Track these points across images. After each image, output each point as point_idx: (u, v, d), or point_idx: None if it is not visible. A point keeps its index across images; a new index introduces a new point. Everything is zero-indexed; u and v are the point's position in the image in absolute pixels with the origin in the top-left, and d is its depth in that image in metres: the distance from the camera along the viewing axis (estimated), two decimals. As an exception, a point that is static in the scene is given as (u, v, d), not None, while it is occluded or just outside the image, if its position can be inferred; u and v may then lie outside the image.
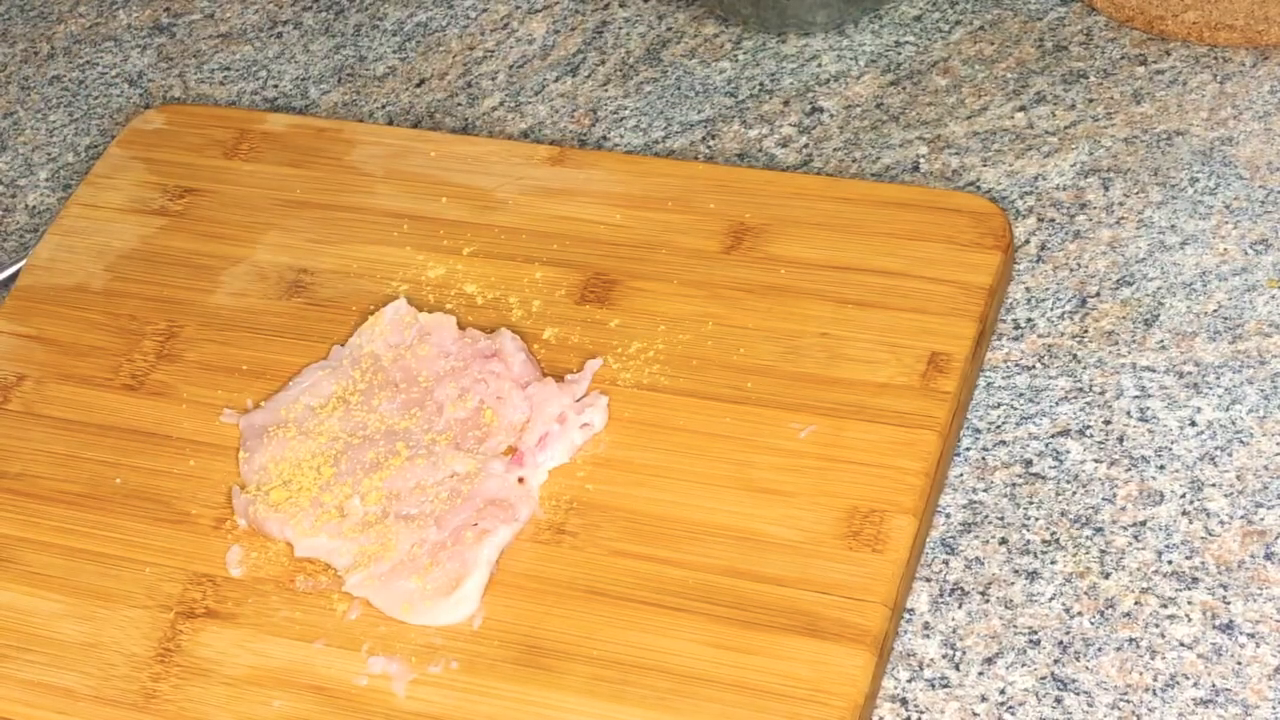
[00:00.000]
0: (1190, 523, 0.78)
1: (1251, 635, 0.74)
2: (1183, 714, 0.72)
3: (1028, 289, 0.87)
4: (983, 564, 0.78)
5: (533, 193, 0.93)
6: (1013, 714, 0.73)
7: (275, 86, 1.05)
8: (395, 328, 0.86)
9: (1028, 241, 0.89)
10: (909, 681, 0.75)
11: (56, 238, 0.95)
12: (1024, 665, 0.75)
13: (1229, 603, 0.75)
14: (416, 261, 0.91)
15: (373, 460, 0.81)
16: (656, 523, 0.79)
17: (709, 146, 0.97)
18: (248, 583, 0.80)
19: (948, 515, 0.80)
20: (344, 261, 0.92)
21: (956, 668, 0.75)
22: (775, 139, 0.96)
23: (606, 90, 1.01)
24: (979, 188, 0.92)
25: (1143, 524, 0.78)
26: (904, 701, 0.74)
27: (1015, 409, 0.83)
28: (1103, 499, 0.79)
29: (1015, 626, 0.76)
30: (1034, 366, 0.84)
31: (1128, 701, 0.73)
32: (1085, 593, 0.76)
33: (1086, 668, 0.74)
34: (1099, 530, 0.78)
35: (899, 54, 1.00)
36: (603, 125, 0.99)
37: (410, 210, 0.93)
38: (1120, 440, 0.81)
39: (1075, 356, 0.84)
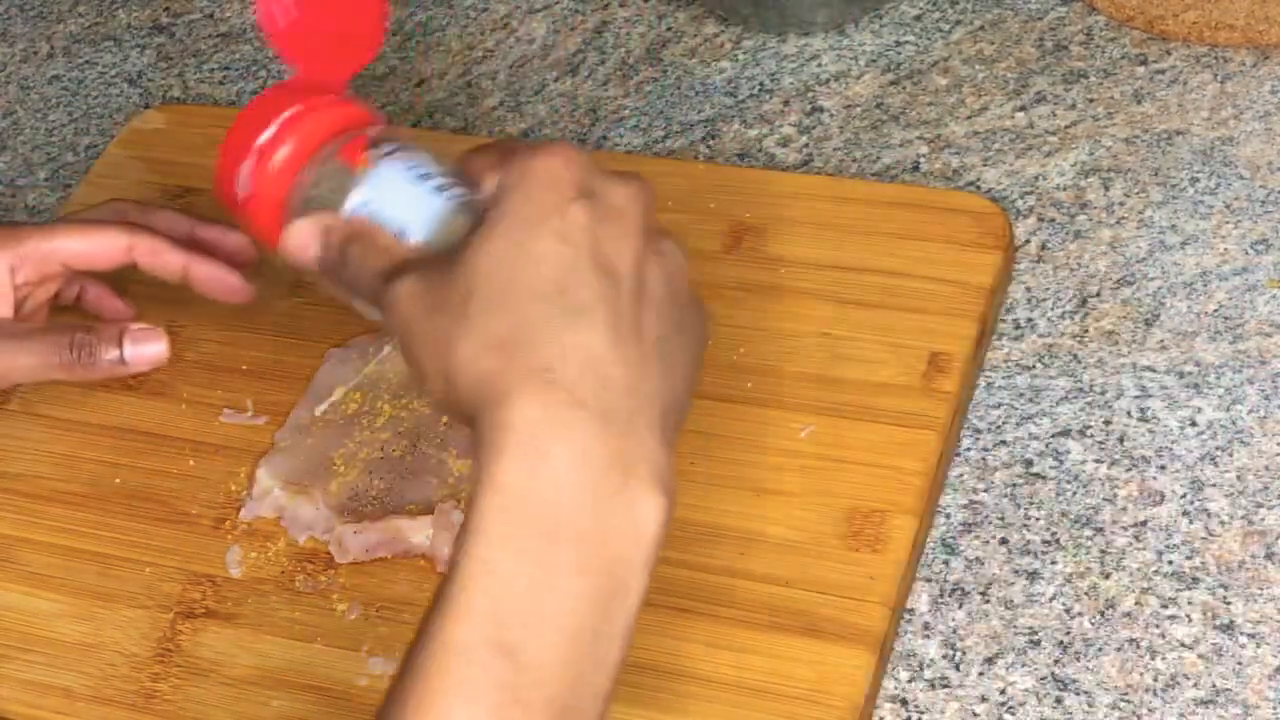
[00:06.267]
0: (1191, 523, 0.78)
1: (1252, 635, 0.74)
2: (1183, 714, 0.72)
3: (1028, 289, 0.87)
4: (983, 564, 0.78)
5: (533, 193, 0.93)
6: (1013, 714, 0.73)
7: (275, 86, 1.05)
8: None
9: (1028, 241, 0.89)
10: (909, 682, 0.75)
11: (56, 238, 0.95)
12: (1024, 665, 0.75)
13: (1229, 603, 0.75)
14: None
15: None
16: (656, 523, 0.79)
17: (709, 146, 0.97)
18: (247, 583, 0.80)
19: (948, 515, 0.80)
20: (344, 261, 0.92)
21: (957, 668, 0.75)
22: (775, 139, 0.96)
23: (606, 90, 1.01)
24: (979, 187, 0.92)
25: (1143, 524, 0.78)
26: (904, 702, 0.74)
27: (1015, 409, 0.83)
28: (1103, 499, 0.79)
29: (1015, 627, 0.76)
30: (1034, 366, 0.84)
31: (1128, 702, 0.73)
32: (1085, 593, 0.76)
33: (1087, 668, 0.74)
34: (1099, 530, 0.78)
35: (899, 54, 1.00)
36: (603, 125, 0.99)
37: (410, 210, 0.93)
38: (1121, 440, 0.81)
39: (1075, 356, 0.84)
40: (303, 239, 0.68)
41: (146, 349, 0.83)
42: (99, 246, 0.85)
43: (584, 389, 0.59)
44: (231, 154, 0.71)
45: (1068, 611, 0.76)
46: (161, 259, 0.85)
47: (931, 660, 0.75)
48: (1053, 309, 0.86)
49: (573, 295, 0.60)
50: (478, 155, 0.67)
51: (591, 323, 0.60)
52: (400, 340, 0.64)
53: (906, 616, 0.77)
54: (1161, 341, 0.84)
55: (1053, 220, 0.90)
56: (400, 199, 0.68)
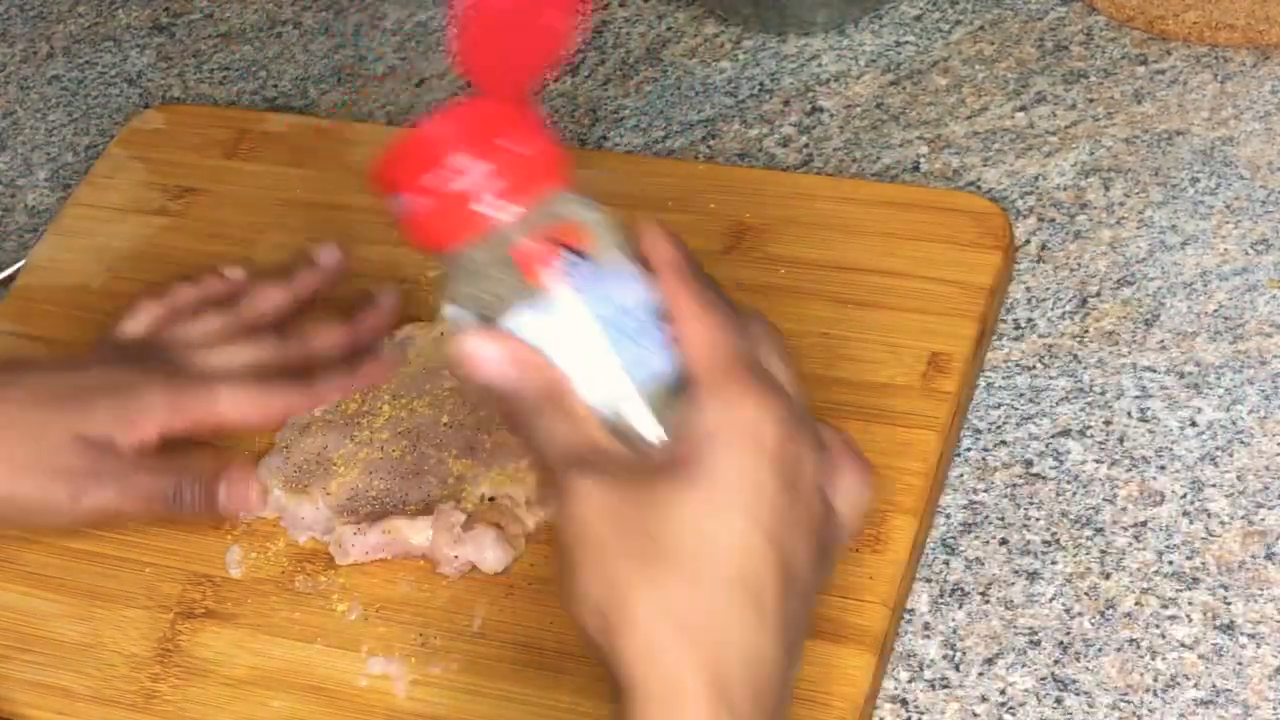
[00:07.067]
0: (1191, 523, 0.78)
1: (1252, 636, 0.74)
2: (1183, 714, 0.72)
3: (1028, 289, 0.87)
4: (983, 564, 0.78)
5: (533, 193, 0.93)
6: (1013, 714, 0.73)
7: (275, 86, 1.05)
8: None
9: (1028, 241, 0.89)
10: (909, 682, 0.75)
11: (56, 238, 0.95)
12: (1024, 666, 0.75)
13: (1230, 603, 0.75)
14: (416, 261, 0.90)
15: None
16: (656, 523, 0.79)
17: (709, 146, 0.97)
18: (247, 583, 0.80)
19: (948, 515, 0.80)
20: (344, 261, 0.92)
21: (957, 668, 0.75)
22: (775, 139, 0.96)
23: (606, 90, 1.01)
24: (979, 188, 0.92)
25: (1143, 524, 0.78)
26: (904, 702, 0.74)
27: (1016, 409, 0.83)
28: (1103, 499, 0.79)
29: (1015, 627, 0.76)
30: (1034, 366, 0.84)
31: (1128, 702, 0.73)
32: (1086, 593, 0.76)
33: (1087, 668, 0.74)
34: (1099, 531, 0.78)
35: (899, 54, 1.00)
36: (603, 125, 0.99)
37: (410, 210, 0.93)
38: (1121, 440, 0.81)
39: (1076, 356, 0.84)
40: (482, 360, 0.62)
41: (243, 501, 0.81)
42: (259, 418, 0.82)
43: (742, 699, 0.59)
44: (395, 171, 0.63)
45: (1068, 612, 0.76)
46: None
47: (931, 660, 0.75)
48: (1053, 309, 0.86)
49: (754, 593, 0.59)
50: (679, 302, 0.62)
51: (767, 626, 0.59)
52: (562, 537, 0.61)
53: (906, 616, 0.77)
54: (1161, 341, 0.84)
55: (1053, 220, 0.90)
56: (579, 348, 0.62)
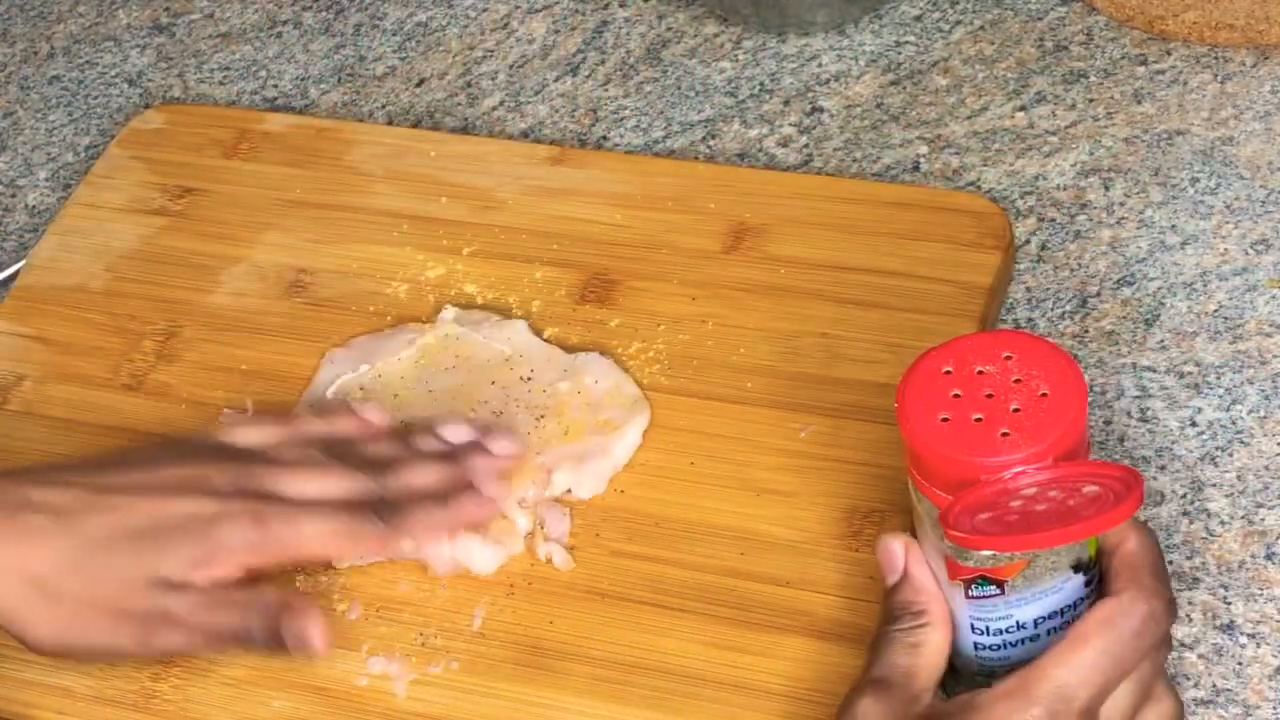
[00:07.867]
0: (1191, 523, 0.78)
1: (1252, 635, 0.74)
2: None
3: (1028, 289, 0.87)
4: (983, 564, 0.78)
5: (533, 193, 0.93)
6: (1013, 714, 0.73)
7: (275, 86, 1.05)
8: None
9: (1028, 241, 0.89)
10: (909, 682, 0.75)
11: (56, 238, 0.95)
12: (1024, 665, 0.75)
13: (1230, 603, 0.75)
14: (416, 261, 0.91)
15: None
16: (656, 523, 0.79)
17: (709, 146, 0.97)
18: (247, 583, 0.80)
19: (948, 515, 0.80)
20: (344, 261, 0.92)
21: (957, 668, 0.75)
22: (775, 139, 0.96)
23: (606, 90, 1.01)
24: (979, 188, 0.92)
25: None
26: (904, 702, 0.74)
27: (1015, 409, 0.83)
28: (1103, 499, 0.79)
29: (1015, 627, 0.76)
30: (1034, 366, 0.84)
31: (1128, 702, 0.73)
32: (1086, 593, 0.76)
33: (1087, 668, 0.74)
34: (1099, 530, 0.78)
35: (899, 54, 1.00)
36: (603, 125, 0.99)
37: (410, 210, 0.93)
38: (1121, 440, 0.81)
39: (1076, 356, 0.84)
40: (888, 545, 0.68)
41: (306, 639, 0.74)
42: (344, 554, 0.79)
43: None
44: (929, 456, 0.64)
45: (1068, 611, 0.76)
46: (422, 553, 0.79)
47: (931, 660, 0.75)
48: (1053, 309, 0.86)
49: None
50: (1094, 623, 0.64)
51: None
52: None
53: (906, 616, 0.77)
54: (1161, 341, 0.84)
55: (1053, 220, 0.90)
56: (958, 625, 0.68)
